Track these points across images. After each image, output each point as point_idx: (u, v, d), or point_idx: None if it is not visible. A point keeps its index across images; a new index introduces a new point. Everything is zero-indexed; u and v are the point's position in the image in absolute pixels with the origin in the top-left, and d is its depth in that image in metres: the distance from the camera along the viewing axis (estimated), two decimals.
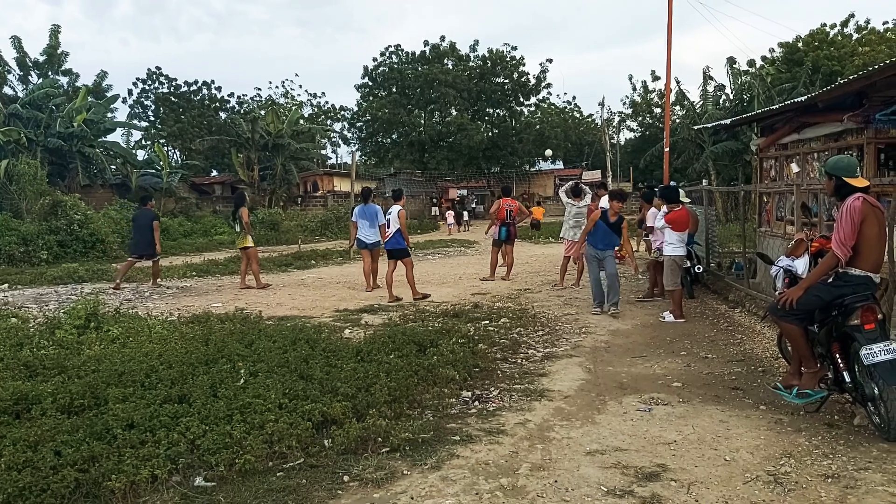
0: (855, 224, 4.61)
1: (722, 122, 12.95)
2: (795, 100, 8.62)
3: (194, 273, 15.42)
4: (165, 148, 45.27)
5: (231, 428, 4.47)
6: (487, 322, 8.81)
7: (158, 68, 49.79)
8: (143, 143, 49.08)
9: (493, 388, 5.88)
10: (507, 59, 43.80)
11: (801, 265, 5.43)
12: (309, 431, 4.55)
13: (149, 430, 4.47)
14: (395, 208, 11.40)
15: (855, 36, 34.10)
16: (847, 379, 4.70)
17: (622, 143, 51.74)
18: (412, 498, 3.80)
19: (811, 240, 5.63)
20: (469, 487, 3.92)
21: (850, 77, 7.12)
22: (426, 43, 43.59)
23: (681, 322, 8.72)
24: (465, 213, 36.07)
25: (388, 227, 11.39)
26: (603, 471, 4.13)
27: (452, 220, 32.41)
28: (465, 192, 45.82)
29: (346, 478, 4.04)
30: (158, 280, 13.64)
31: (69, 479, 3.80)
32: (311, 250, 20.28)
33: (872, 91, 7.00)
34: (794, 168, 8.88)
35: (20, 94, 33.35)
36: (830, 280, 4.76)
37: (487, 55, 43.73)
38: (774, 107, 9.65)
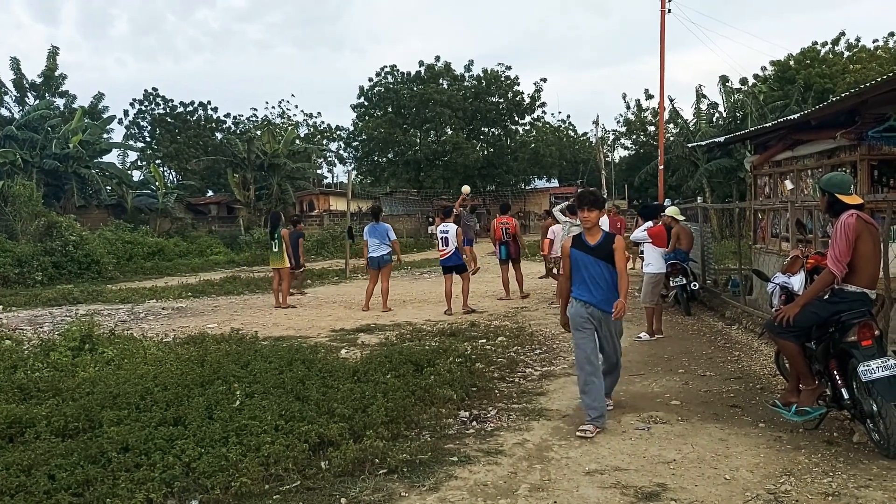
0: (850, 241, 4.62)
1: (716, 139, 13.04)
2: (789, 117, 8.70)
3: (190, 294, 15.36)
4: (161, 168, 45.37)
5: (227, 450, 4.44)
6: (484, 341, 8.79)
7: (155, 89, 49.97)
8: (139, 163, 49.28)
9: (490, 408, 5.84)
10: (502, 78, 44.06)
11: (797, 282, 5.45)
12: (305, 453, 4.51)
13: (144, 454, 4.43)
14: (453, 227, 11.93)
15: (846, 54, 34.47)
16: (845, 396, 4.69)
17: (617, 160, 52.01)
18: None
19: (807, 256, 5.65)
20: None
21: (843, 94, 7.20)
22: (421, 63, 43.86)
23: (655, 340, 8.77)
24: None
25: (448, 245, 11.89)
26: (602, 491, 4.10)
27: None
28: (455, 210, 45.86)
29: (343, 500, 4.00)
30: (300, 290, 15.43)
31: (63, 503, 3.76)
32: (308, 269, 20.23)
33: (864, 108, 7.06)
34: (789, 185, 8.94)
35: (17, 116, 33.44)
36: (826, 297, 4.76)
37: (482, 75, 44.00)
38: (768, 124, 9.75)
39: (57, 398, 5.79)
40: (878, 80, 6.14)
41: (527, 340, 8.83)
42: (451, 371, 6.70)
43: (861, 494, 3.96)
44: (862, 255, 4.66)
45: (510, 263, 13.68)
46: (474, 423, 5.46)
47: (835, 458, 4.54)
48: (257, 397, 5.63)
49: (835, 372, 4.75)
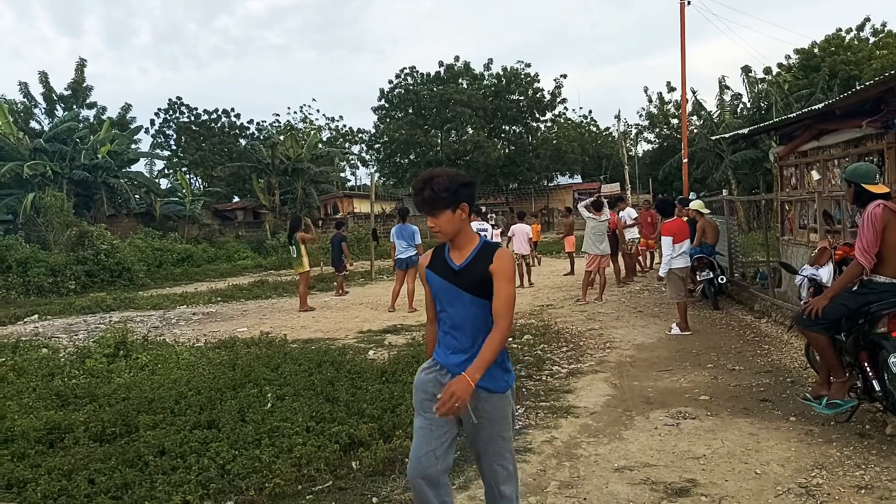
0: (877, 231, 4.57)
1: (740, 131, 12.89)
2: (813, 107, 8.58)
3: (219, 298, 15.59)
4: (187, 176, 46.16)
5: (260, 452, 4.53)
6: (511, 339, 8.80)
7: (179, 98, 50.90)
8: (166, 171, 50.09)
9: (518, 406, 5.86)
10: (522, 76, 44.04)
11: (825, 274, 5.39)
12: (336, 454, 4.58)
13: (179, 457, 4.54)
14: (488, 226, 11.88)
15: (871, 40, 33.83)
16: (877, 388, 4.63)
17: (640, 155, 51.58)
18: None
19: (835, 248, 5.58)
20: None
21: (868, 83, 7.08)
22: (441, 63, 44.06)
23: (687, 334, 8.69)
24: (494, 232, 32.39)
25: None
26: (632, 487, 4.11)
27: (498, 238, 31.05)
28: (483, 209, 45.83)
29: (374, 500, 4.07)
30: (343, 289, 15.97)
31: None
32: (334, 272, 20.39)
33: (891, 96, 6.95)
34: (815, 175, 8.82)
35: (46, 129, 34.16)
36: (855, 288, 4.71)
37: (502, 73, 44.03)
38: (792, 115, 9.61)
39: (94, 404, 5.93)
40: None
41: (553, 338, 8.82)
42: None
43: (894, 487, 3.92)
44: (890, 245, 4.61)
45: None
46: None
47: (867, 450, 4.50)
48: (288, 399, 5.72)
49: (865, 364, 4.70)
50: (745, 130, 11.93)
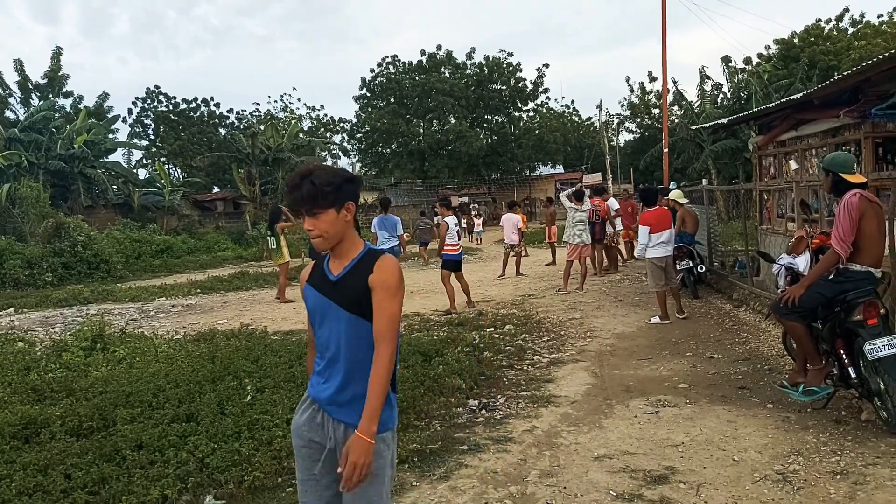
0: (853, 220, 4.62)
1: (719, 121, 12.98)
2: (791, 97, 8.64)
3: (199, 290, 15.44)
4: (166, 166, 45.58)
5: (239, 445, 4.50)
6: (492, 329, 8.82)
7: (157, 87, 50.16)
8: (144, 161, 49.43)
9: (499, 396, 5.88)
10: (504, 65, 43.93)
11: (802, 262, 5.44)
12: None
13: (158, 451, 4.50)
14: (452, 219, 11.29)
15: (850, 30, 34.13)
16: (853, 374, 4.71)
17: (622, 144, 51.78)
18: None
19: (811, 237, 5.64)
20: (478, 497, 3.93)
21: (845, 73, 7.15)
22: (423, 52, 43.78)
23: (667, 323, 8.78)
24: (477, 222, 30.75)
25: (458, 239, 11.20)
26: (611, 475, 4.13)
27: (480, 228, 30.41)
28: (466, 199, 45.85)
29: None
30: None
31: (80, 502, 3.83)
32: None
33: (868, 86, 7.01)
34: (793, 165, 8.89)
35: (22, 118, 33.58)
36: (832, 276, 4.76)
37: (484, 62, 43.88)
38: (771, 104, 9.67)
39: (71, 398, 5.86)
40: (881, 57, 6.10)
41: (534, 328, 8.85)
42: (459, 360, 6.75)
43: (869, 472, 3.98)
44: (866, 234, 4.66)
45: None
46: (483, 411, 5.50)
47: (843, 436, 4.56)
48: (268, 392, 5.69)
49: (841, 351, 4.77)
50: (725, 120, 12.00)
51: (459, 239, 11.25)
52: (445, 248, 10.81)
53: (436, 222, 35.44)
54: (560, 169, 49.59)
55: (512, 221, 15.39)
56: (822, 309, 4.85)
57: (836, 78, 7.42)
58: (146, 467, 4.24)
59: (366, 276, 2.48)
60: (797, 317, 4.86)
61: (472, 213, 33.33)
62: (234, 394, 5.64)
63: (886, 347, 4.40)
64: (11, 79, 34.91)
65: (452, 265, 10.81)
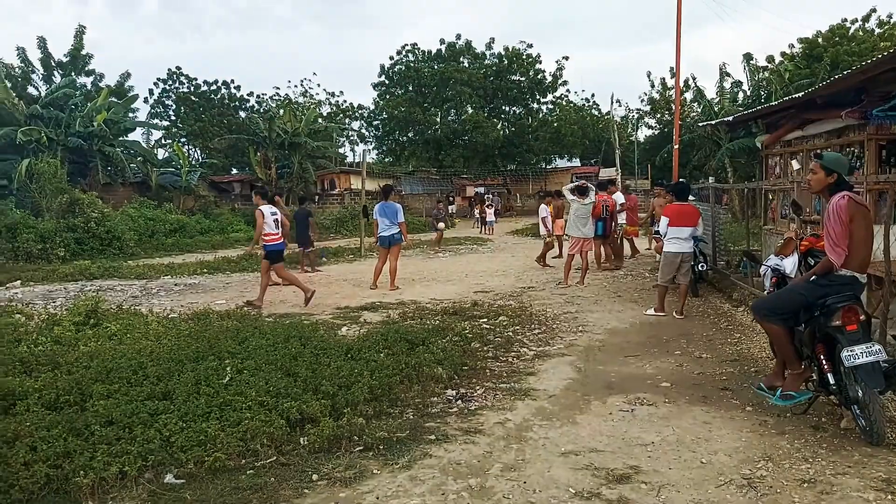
0: (844, 223, 4.50)
1: (725, 119, 12.77)
2: (794, 96, 8.47)
3: (205, 270, 15.55)
4: (185, 147, 45.83)
5: (207, 425, 4.50)
6: (485, 320, 8.77)
7: (178, 68, 50.31)
8: (164, 142, 49.76)
9: (478, 387, 5.85)
10: (524, 56, 43.62)
11: (789, 265, 5.33)
12: (283, 429, 4.56)
13: (126, 427, 4.52)
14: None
15: (877, 31, 33.41)
16: (831, 381, 4.60)
17: (640, 140, 51.28)
18: (378, 498, 3.79)
19: (801, 238, 5.52)
20: (436, 488, 3.90)
21: (846, 72, 6.97)
22: (442, 41, 43.61)
23: (662, 316, 8.87)
24: (489, 212, 30.45)
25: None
26: (574, 472, 4.08)
27: (493, 218, 30.05)
28: (482, 189, 45.69)
29: (314, 476, 4.05)
30: (310, 267, 15.49)
31: (40, 474, 3.85)
32: (325, 247, 20.34)
33: (873, 86, 6.85)
34: (795, 165, 8.73)
35: (43, 95, 33.89)
36: (814, 278, 4.66)
37: (503, 53, 43.61)
38: (774, 103, 9.47)
39: (55, 372, 5.91)
40: (883, 55, 5.94)
41: (527, 321, 8.78)
42: (444, 350, 6.72)
43: (837, 482, 3.89)
44: (854, 238, 4.53)
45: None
46: (459, 401, 5.46)
47: (818, 443, 4.47)
48: (247, 373, 5.69)
49: (821, 356, 4.66)
50: (731, 118, 11.80)
51: (278, 228, 10.69)
52: (265, 238, 10.58)
53: (450, 211, 35.51)
54: (577, 162, 49.28)
55: (541, 212, 15.55)
56: (803, 312, 4.74)
57: (838, 76, 7.23)
58: (112, 443, 4.26)
59: None
60: (778, 319, 4.76)
61: (486, 202, 33.05)
62: (212, 374, 5.64)
63: (864, 355, 4.29)
64: (35, 56, 35.27)
65: (274, 256, 10.67)
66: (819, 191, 4.91)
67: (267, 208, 10.73)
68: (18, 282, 13.56)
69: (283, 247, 10.98)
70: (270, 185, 36.32)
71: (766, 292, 5.40)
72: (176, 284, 13.31)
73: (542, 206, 15.79)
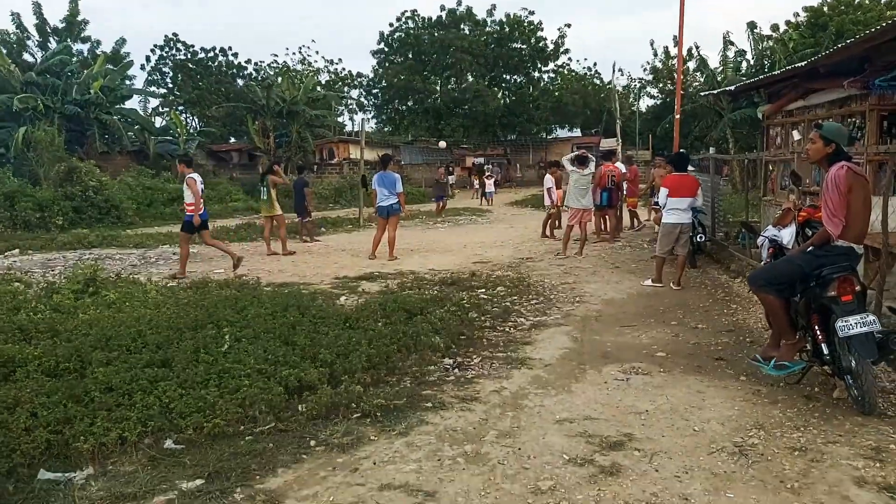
0: (842, 193, 4.50)
1: (727, 88, 12.67)
2: (796, 65, 8.39)
3: None
4: (183, 115, 45.49)
5: (206, 392, 4.55)
6: (483, 290, 8.80)
7: (175, 35, 49.80)
8: (161, 110, 49.40)
9: (475, 356, 5.89)
10: (525, 24, 43.11)
11: (786, 235, 5.34)
12: (281, 396, 4.60)
13: (126, 394, 4.56)
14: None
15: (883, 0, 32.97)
16: (825, 351, 4.64)
17: (643, 110, 50.91)
18: (374, 463, 3.84)
19: (799, 209, 5.52)
20: (432, 454, 3.95)
21: (849, 41, 6.90)
22: (442, 8, 43.04)
23: (660, 286, 8.93)
24: (488, 183, 30.43)
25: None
26: (568, 439, 4.14)
27: (492, 188, 30.06)
28: (482, 160, 45.48)
29: (312, 442, 4.10)
30: (310, 237, 15.42)
31: (41, 439, 3.89)
32: (323, 218, 20.32)
33: (877, 56, 6.78)
34: (796, 136, 8.68)
35: (39, 61, 33.55)
36: (811, 249, 4.67)
37: (504, 20, 43.09)
38: (776, 72, 9.39)
39: (54, 339, 5.93)
40: (887, 23, 5.87)
41: (525, 291, 8.82)
42: (442, 319, 6.76)
43: (828, 450, 3.94)
44: (852, 209, 4.53)
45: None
46: (456, 370, 5.51)
47: (810, 413, 4.52)
48: (245, 342, 5.73)
49: (816, 326, 4.69)
50: (732, 87, 11.70)
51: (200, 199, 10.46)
52: (187, 208, 10.50)
53: (449, 181, 35.40)
54: (578, 132, 48.98)
55: (547, 183, 15.41)
56: (799, 282, 4.76)
57: (841, 45, 7.16)
58: (112, 410, 4.31)
59: None
60: (773, 289, 4.78)
61: (486, 173, 32.94)
62: (211, 342, 5.68)
63: (858, 325, 4.31)
64: (30, 22, 34.84)
65: (190, 227, 10.55)
66: (817, 160, 4.88)
67: (197, 176, 10.69)
68: (17, 250, 13.56)
69: (205, 216, 10.61)
70: (269, 154, 36.21)
71: (762, 263, 5.41)
72: (174, 253, 13.29)
73: (548, 176, 15.55)
